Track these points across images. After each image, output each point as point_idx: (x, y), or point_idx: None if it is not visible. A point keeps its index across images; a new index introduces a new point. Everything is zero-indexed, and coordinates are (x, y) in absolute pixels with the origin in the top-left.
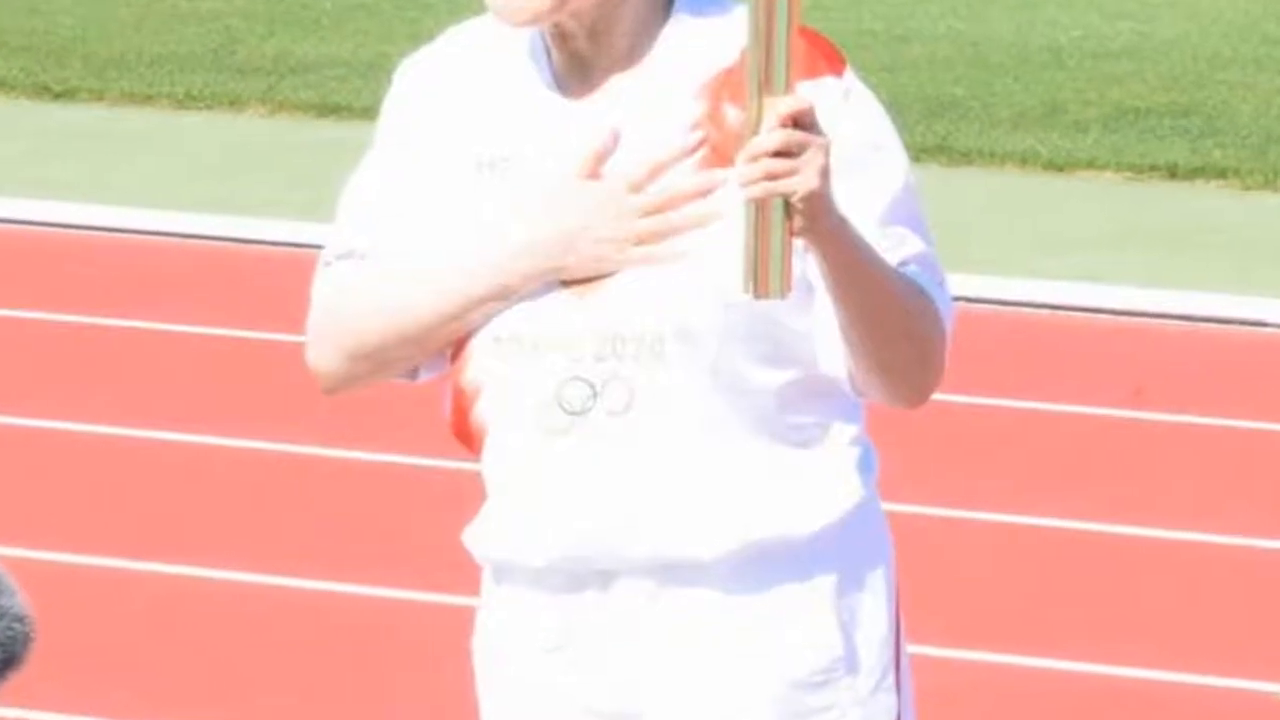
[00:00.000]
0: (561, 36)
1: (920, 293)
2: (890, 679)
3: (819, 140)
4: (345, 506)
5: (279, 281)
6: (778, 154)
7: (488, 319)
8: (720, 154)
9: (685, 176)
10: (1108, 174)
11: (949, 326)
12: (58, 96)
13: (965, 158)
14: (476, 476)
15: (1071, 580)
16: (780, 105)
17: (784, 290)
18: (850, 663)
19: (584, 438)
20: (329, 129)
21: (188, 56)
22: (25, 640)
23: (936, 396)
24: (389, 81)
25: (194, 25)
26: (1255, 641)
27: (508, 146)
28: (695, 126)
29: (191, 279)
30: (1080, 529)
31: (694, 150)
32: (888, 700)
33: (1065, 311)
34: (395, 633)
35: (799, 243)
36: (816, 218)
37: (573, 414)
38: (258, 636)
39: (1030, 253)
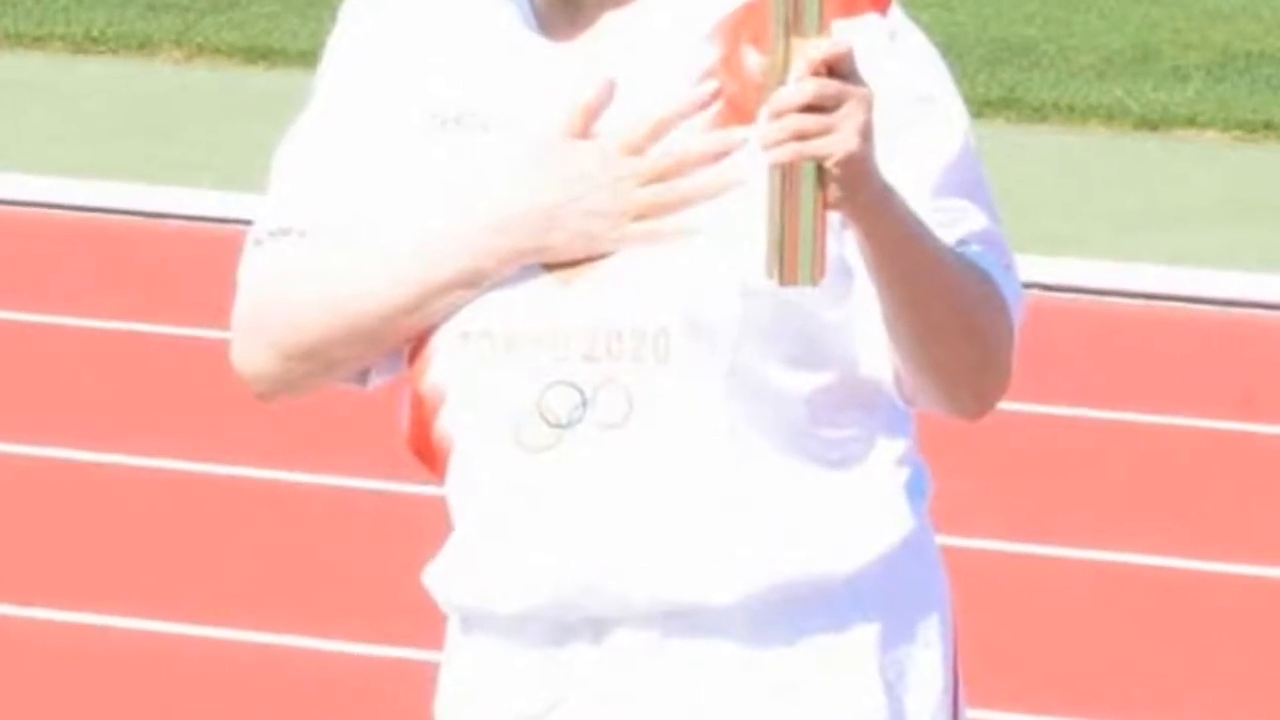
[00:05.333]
0: None
1: (983, 278)
2: None
3: (859, 92)
4: (281, 540)
5: (198, 264)
6: (809, 109)
7: (453, 310)
8: (738, 109)
9: (695, 136)
10: (1212, 133)
11: (1018, 319)
12: None
13: (1038, 113)
14: (440, 503)
15: (1171, 628)
16: (811, 49)
17: (816, 275)
18: None
19: (571, 455)
20: (259, 78)
21: None
22: None
23: (1002, 405)
24: (333, 20)
25: None
26: None
27: (478, 99)
28: (707, 75)
29: (90, 261)
30: (1179, 567)
31: (706, 104)
32: None
33: (1161, 302)
34: (342, 693)
35: (834, 217)
36: (856, 186)
37: (557, 426)
38: (175, 698)
39: (1117, 230)
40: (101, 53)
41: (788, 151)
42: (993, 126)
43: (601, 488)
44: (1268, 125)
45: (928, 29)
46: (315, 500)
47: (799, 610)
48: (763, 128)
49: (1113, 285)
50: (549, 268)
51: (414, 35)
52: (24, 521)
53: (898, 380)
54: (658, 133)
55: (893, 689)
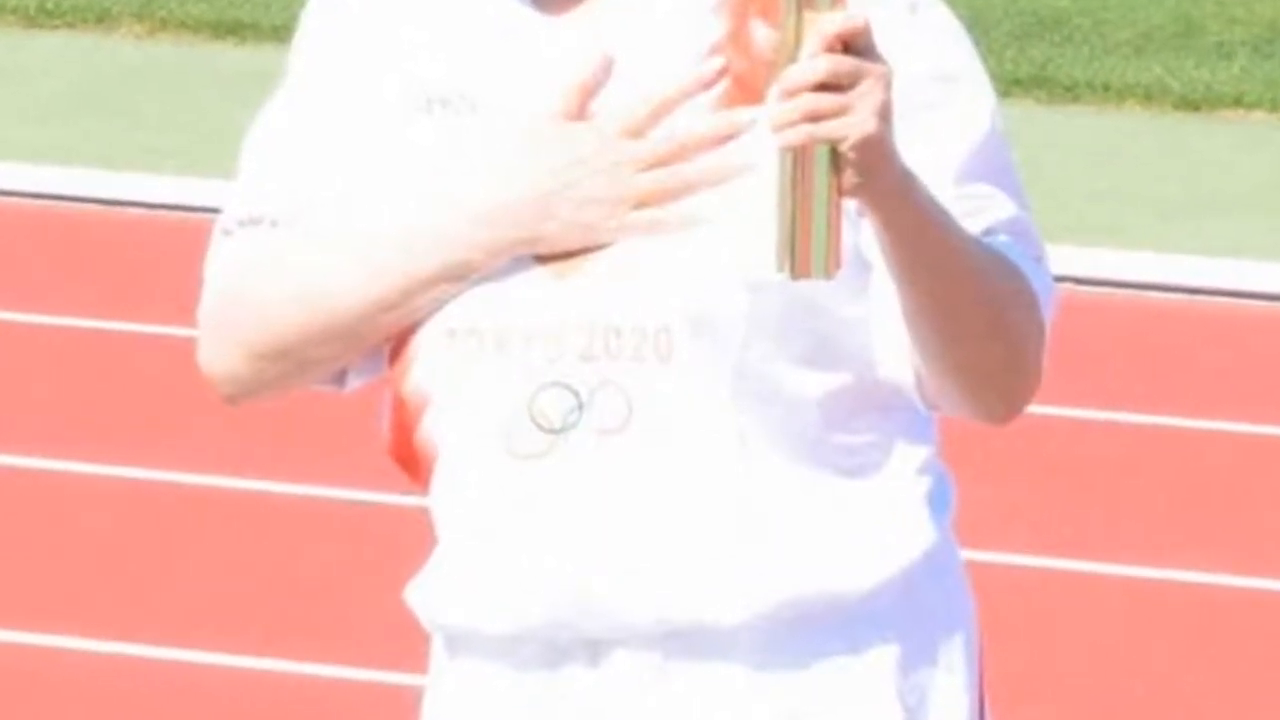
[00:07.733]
0: None
1: (1011, 271)
2: None
3: (876, 69)
4: (251, 554)
5: (163, 256)
6: (822, 87)
7: (438, 306)
8: (746, 88)
9: (700, 117)
10: (1259, 114)
11: (1049, 315)
12: None
13: (1070, 92)
14: (423, 514)
15: (1214, 649)
16: (825, 23)
17: (830, 268)
18: None
19: (566, 463)
20: (228, 55)
21: None
22: None
23: (1032, 409)
24: None
25: None
26: None
27: (466, 78)
28: (713, 51)
29: (45, 252)
30: (1222, 583)
31: (711, 83)
32: None
33: (1203, 296)
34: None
35: (850, 206)
36: (873, 171)
37: (551, 431)
38: None
39: (1156, 218)
40: (57, 27)
41: (800, 133)
42: (1022, 107)
43: (599, 498)
44: None
45: (952, 2)
46: (289, 512)
47: (811, 631)
48: (773, 108)
49: (1152, 278)
50: (542, 260)
51: (396, 9)
52: None
53: (919, 382)
54: (659, 114)
55: (913, 715)
